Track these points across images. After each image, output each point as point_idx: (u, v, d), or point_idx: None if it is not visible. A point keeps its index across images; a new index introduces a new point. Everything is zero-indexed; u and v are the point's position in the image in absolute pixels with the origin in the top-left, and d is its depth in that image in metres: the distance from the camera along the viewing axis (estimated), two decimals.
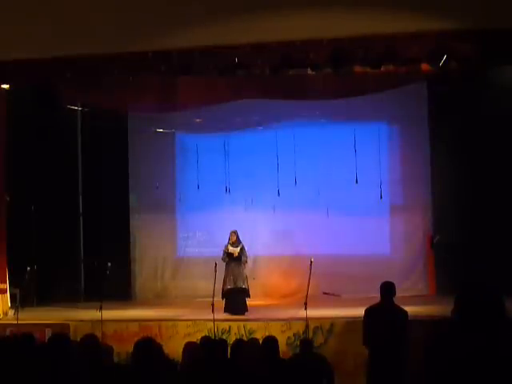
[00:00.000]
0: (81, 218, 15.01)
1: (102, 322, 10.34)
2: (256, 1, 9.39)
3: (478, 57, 9.47)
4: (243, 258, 11.86)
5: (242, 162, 14.47)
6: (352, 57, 9.78)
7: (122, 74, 10.35)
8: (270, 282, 14.06)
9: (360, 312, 7.85)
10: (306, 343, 7.57)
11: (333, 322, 10.30)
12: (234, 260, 11.80)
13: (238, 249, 11.83)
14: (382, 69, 10.12)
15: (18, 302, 11.94)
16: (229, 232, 12.06)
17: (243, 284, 11.75)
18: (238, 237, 11.96)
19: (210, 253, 13.60)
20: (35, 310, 12.80)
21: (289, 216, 14.21)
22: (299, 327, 10.13)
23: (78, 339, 6.33)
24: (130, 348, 5.11)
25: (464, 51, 9.44)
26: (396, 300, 7.68)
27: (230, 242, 11.90)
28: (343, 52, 9.58)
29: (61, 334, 5.96)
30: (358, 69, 10.51)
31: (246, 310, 11.62)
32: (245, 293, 11.75)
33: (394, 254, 14.10)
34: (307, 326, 9.97)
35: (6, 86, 11.35)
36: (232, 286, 11.67)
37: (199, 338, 6.46)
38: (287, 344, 9.99)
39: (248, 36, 9.29)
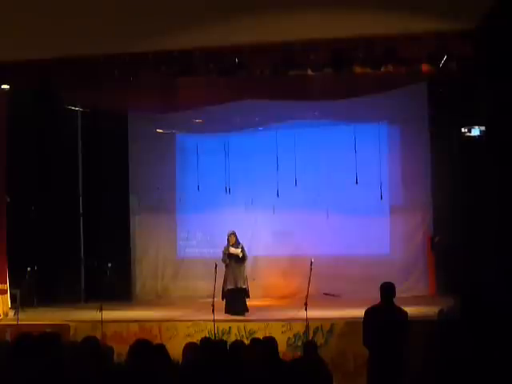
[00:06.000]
0: (81, 219, 15.01)
1: (102, 322, 10.34)
2: (256, 1, 9.38)
3: (478, 57, 9.47)
4: (245, 258, 11.88)
5: (242, 163, 14.49)
6: (352, 57, 9.78)
7: (122, 75, 10.35)
8: (270, 283, 14.07)
9: (360, 313, 7.84)
10: (309, 346, 7.55)
11: (333, 322, 10.30)
12: (234, 260, 11.79)
13: (240, 250, 11.84)
14: (382, 69, 10.11)
15: (19, 303, 11.95)
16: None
17: (243, 284, 11.76)
18: (237, 238, 11.95)
19: (210, 253, 13.65)
20: (35, 310, 12.80)
21: (289, 216, 14.23)
22: (299, 328, 10.13)
23: (79, 340, 6.33)
24: None
25: (464, 51, 9.44)
26: (396, 300, 7.67)
27: (230, 243, 11.90)
28: (343, 53, 9.58)
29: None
30: (358, 69, 10.50)
31: (247, 311, 11.62)
32: (245, 293, 11.76)
33: (394, 254, 14.10)
34: (307, 327, 9.97)
35: (6, 86, 11.34)
36: (232, 287, 11.68)
37: (199, 338, 6.46)
38: (288, 345, 9.99)
39: (248, 36, 9.28)
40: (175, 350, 5.79)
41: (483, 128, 12.32)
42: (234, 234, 11.96)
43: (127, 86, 11.26)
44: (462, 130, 12.89)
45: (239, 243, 11.93)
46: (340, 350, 9.96)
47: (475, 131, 12.65)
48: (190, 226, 15.00)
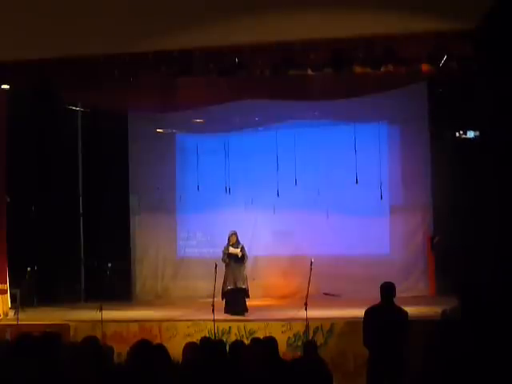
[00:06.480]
0: (81, 219, 15.02)
1: (102, 322, 10.34)
2: (256, 1, 9.38)
3: (478, 57, 9.47)
4: (245, 258, 11.88)
5: (242, 163, 14.49)
6: (352, 57, 9.78)
7: (122, 75, 10.35)
8: (270, 283, 14.07)
9: (360, 312, 7.85)
10: (309, 346, 7.55)
11: (333, 322, 10.29)
12: (234, 260, 11.79)
13: (239, 249, 11.83)
14: (382, 69, 10.11)
15: (19, 303, 11.95)
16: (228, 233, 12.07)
17: (243, 284, 11.75)
18: (237, 238, 11.96)
19: (210, 253, 13.66)
20: (35, 310, 12.80)
21: (289, 216, 14.23)
22: (299, 328, 10.13)
23: (79, 340, 6.34)
24: None
25: (464, 51, 9.44)
26: (396, 300, 7.68)
27: (231, 243, 11.89)
28: (343, 52, 9.58)
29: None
30: (358, 69, 10.50)
31: (246, 311, 11.62)
32: (245, 293, 11.76)
33: (394, 254, 14.11)
34: (307, 327, 9.97)
35: (6, 86, 11.34)
36: (232, 287, 11.68)
37: (199, 338, 6.45)
38: (288, 344, 9.99)
39: (248, 36, 9.28)
40: (175, 349, 5.78)
41: (477, 133, 12.35)
42: (235, 233, 11.96)
43: (127, 85, 11.25)
44: (457, 134, 12.92)
45: (239, 243, 11.93)
46: (340, 350, 9.95)
47: (470, 134, 12.67)
48: (190, 226, 15.00)
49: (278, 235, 14.48)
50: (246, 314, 11.53)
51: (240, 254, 11.79)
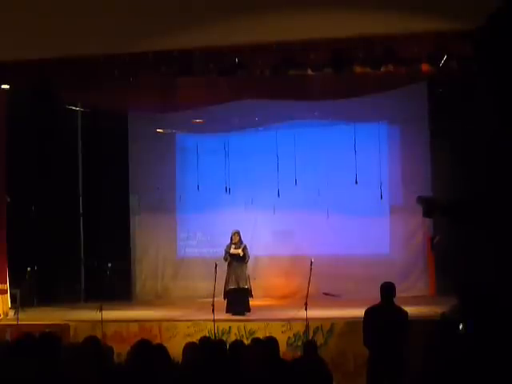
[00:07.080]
0: (81, 219, 15.02)
1: (102, 322, 10.34)
2: (256, 1, 9.39)
3: (478, 57, 9.47)
4: (246, 258, 11.88)
5: (242, 163, 14.49)
6: (352, 57, 9.78)
7: (122, 75, 10.35)
8: (271, 283, 14.07)
9: (360, 312, 7.85)
10: (309, 346, 7.55)
11: (333, 322, 10.30)
12: (236, 260, 11.79)
13: (241, 249, 11.82)
14: (382, 69, 10.12)
15: (19, 303, 11.95)
16: (229, 232, 12.05)
17: (246, 284, 11.75)
18: (240, 237, 11.95)
19: (210, 253, 13.68)
20: (35, 310, 12.80)
21: (289, 216, 14.24)
22: (299, 328, 10.13)
23: (79, 340, 6.34)
24: None
25: (464, 51, 9.44)
26: (396, 300, 7.68)
27: (233, 242, 11.88)
28: (343, 52, 9.59)
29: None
30: (358, 69, 10.50)
31: (248, 310, 11.61)
32: (247, 293, 11.75)
33: (394, 254, 14.11)
34: (307, 327, 9.97)
35: (5, 86, 11.34)
36: (234, 286, 11.67)
37: (199, 338, 6.45)
38: (288, 344, 9.99)
39: (248, 36, 9.29)
40: (175, 349, 5.79)
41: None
42: (237, 233, 11.96)
43: (127, 85, 11.25)
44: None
45: (242, 242, 11.92)
46: (340, 350, 9.95)
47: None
48: (190, 226, 15.00)
49: (278, 235, 14.49)
50: (247, 313, 11.52)
51: (241, 254, 11.79)
